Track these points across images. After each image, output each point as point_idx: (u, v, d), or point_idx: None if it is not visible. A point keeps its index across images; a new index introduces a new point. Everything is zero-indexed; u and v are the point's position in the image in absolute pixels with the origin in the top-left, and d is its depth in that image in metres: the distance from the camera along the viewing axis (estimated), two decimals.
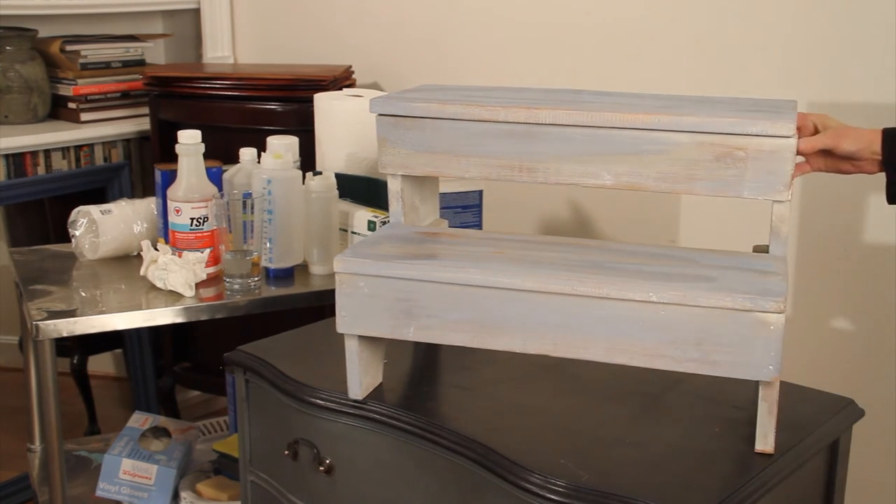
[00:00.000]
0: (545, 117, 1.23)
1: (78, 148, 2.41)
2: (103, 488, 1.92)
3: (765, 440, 1.15)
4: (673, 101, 1.28)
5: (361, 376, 1.29)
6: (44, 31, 2.50)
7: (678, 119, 1.18)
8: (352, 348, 1.28)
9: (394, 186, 1.35)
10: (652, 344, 1.13)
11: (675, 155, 1.19)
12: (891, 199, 1.31)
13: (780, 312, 1.08)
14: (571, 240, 1.32)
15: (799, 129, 1.24)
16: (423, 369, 1.41)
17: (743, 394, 1.28)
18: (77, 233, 1.86)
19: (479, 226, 1.85)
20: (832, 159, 1.32)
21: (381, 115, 1.31)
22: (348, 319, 1.25)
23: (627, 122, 1.20)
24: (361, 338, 1.27)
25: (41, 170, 2.35)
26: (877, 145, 1.29)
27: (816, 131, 1.33)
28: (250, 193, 1.70)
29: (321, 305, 1.85)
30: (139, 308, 1.66)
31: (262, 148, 1.85)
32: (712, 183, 1.19)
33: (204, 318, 1.69)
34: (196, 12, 2.72)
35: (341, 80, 2.32)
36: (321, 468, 1.32)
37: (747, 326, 1.09)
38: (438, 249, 1.27)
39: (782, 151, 1.16)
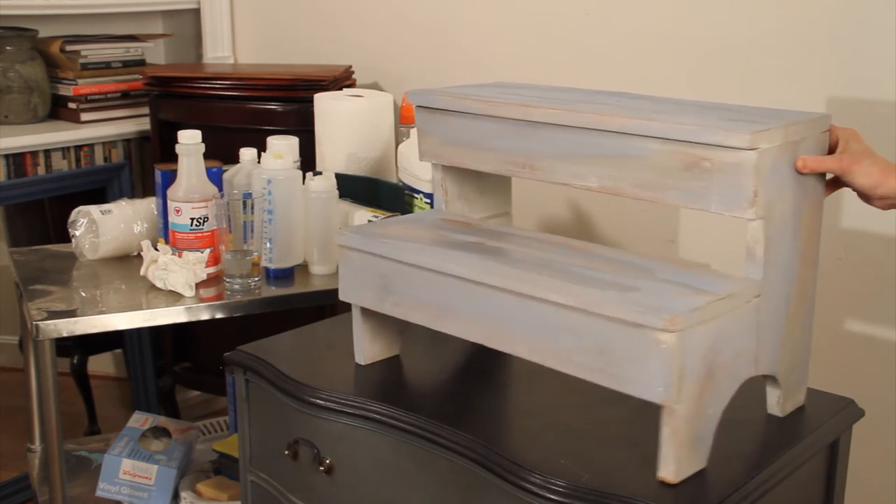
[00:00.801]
0: (535, 115, 1.24)
1: (78, 148, 2.41)
2: (103, 488, 1.92)
3: (666, 467, 1.07)
4: (670, 105, 1.25)
5: (365, 344, 1.38)
6: (44, 31, 2.50)
7: (646, 124, 1.14)
8: (356, 316, 1.37)
9: (434, 175, 1.43)
10: (563, 348, 1.11)
11: (650, 162, 1.15)
12: None
13: (670, 331, 1.01)
14: (556, 238, 1.31)
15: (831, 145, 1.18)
16: (423, 370, 1.41)
17: (743, 394, 1.28)
18: (77, 233, 1.86)
19: None
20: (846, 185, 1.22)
21: (417, 106, 1.38)
22: (346, 289, 1.35)
23: (596, 123, 1.17)
24: (365, 308, 1.34)
25: (41, 170, 2.35)
26: (893, 186, 1.17)
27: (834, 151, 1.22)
28: (250, 193, 1.70)
29: (321, 305, 1.85)
30: (139, 308, 1.66)
31: (262, 148, 1.85)
32: (683, 193, 1.13)
33: (204, 318, 1.69)
34: (196, 12, 2.72)
35: (341, 80, 2.32)
36: (321, 468, 1.32)
37: (641, 342, 1.03)
38: (433, 235, 1.30)
39: (743, 165, 1.07)
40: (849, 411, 1.28)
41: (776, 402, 1.23)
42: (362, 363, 1.39)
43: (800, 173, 1.14)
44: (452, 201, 1.43)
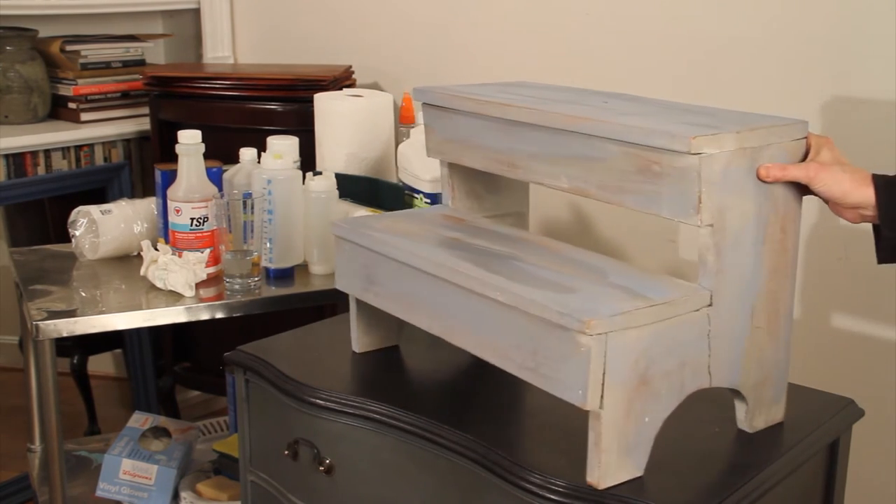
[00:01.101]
0: (512, 114, 1.24)
1: (78, 148, 2.41)
2: (103, 488, 1.92)
3: (591, 472, 1.06)
4: (649, 107, 1.23)
5: (360, 333, 1.42)
6: (44, 31, 2.50)
7: (599, 125, 1.12)
8: (352, 304, 1.41)
9: (441, 170, 1.44)
10: (503, 345, 1.11)
11: (609, 164, 1.13)
12: (883, 259, 1.14)
13: (587, 334, 0.99)
14: (536, 238, 1.30)
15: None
16: (423, 370, 1.41)
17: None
18: (77, 233, 1.86)
19: None
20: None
21: (422, 102, 1.40)
22: (339, 277, 1.39)
23: (561, 123, 1.16)
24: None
25: (41, 170, 2.35)
26: (866, 196, 1.10)
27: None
28: (250, 193, 1.70)
29: (321, 305, 1.85)
30: (139, 308, 1.66)
31: (262, 148, 1.85)
32: (637, 197, 1.11)
33: (204, 318, 1.69)
34: (196, 12, 2.72)
35: (341, 80, 2.32)
36: (321, 468, 1.32)
37: (565, 344, 1.02)
38: (420, 230, 1.31)
39: (688, 170, 1.05)
40: (849, 411, 1.28)
41: (743, 417, 1.19)
42: (357, 351, 1.42)
43: (763, 182, 1.09)
44: (460, 198, 1.44)
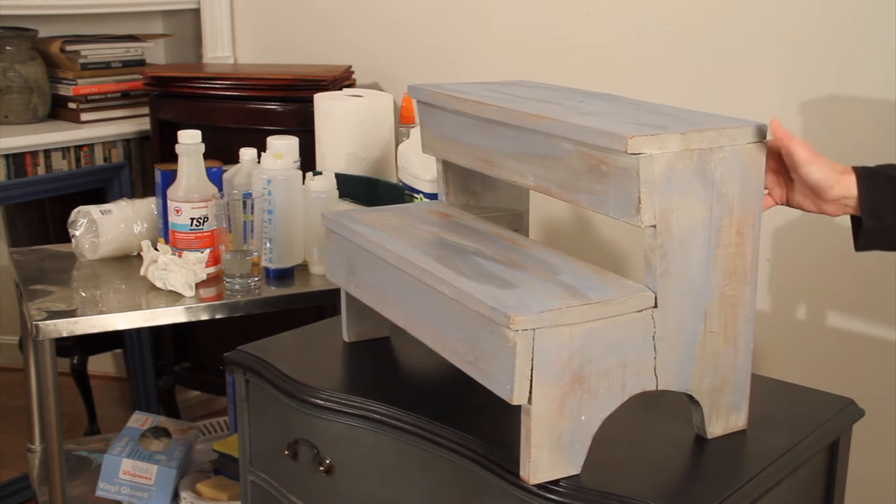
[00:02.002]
0: (485, 112, 1.24)
1: (78, 148, 2.41)
2: (103, 488, 1.92)
3: (524, 467, 1.06)
4: (617, 107, 1.22)
5: (350, 322, 1.46)
6: (44, 31, 2.50)
7: (555, 124, 1.12)
8: (342, 294, 1.45)
9: (437, 166, 1.45)
10: (450, 338, 1.13)
11: (566, 162, 1.13)
12: (861, 248, 1.16)
13: (511, 328, 1.00)
14: (508, 235, 1.30)
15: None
16: (423, 370, 1.41)
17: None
18: (77, 233, 1.86)
19: None
20: (791, 189, 1.17)
21: (416, 100, 1.41)
22: (329, 268, 1.43)
23: (524, 121, 1.17)
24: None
25: (41, 170, 2.35)
26: (849, 186, 1.12)
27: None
28: (250, 193, 1.70)
29: (321, 305, 1.85)
30: (139, 308, 1.66)
31: (262, 148, 1.85)
32: (590, 196, 1.10)
33: (204, 318, 1.69)
34: (196, 12, 2.72)
35: (341, 80, 2.32)
36: (321, 468, 1.32)
37: (496, 338, 1.03)
38: (400, 223, 1.34)
39: (629, 170, 1.04)
40: (849, 411, 1.28)
41: (699, 423, 1.17)
42: (347, 340, 1.47)
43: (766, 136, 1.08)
44: (455, 194, 1.44)
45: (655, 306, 1.08)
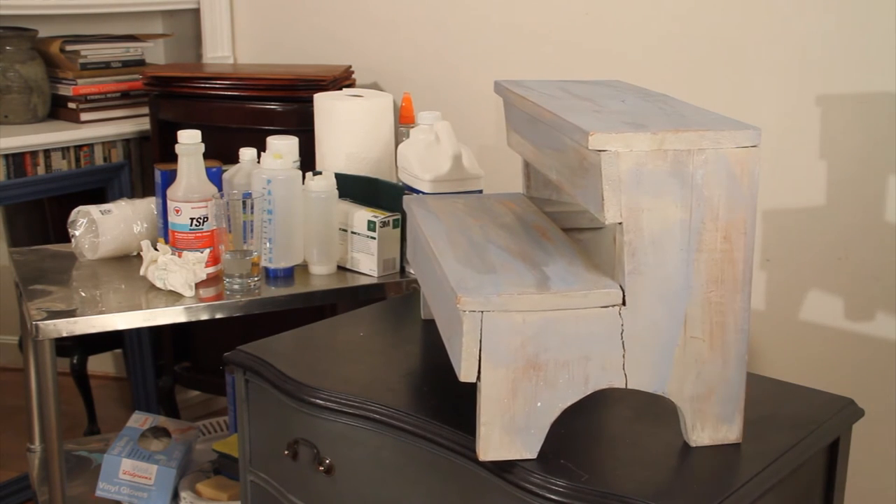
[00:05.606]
0: (527, 108, 1.27)
1: (78, 148, 2.41)
2: (103, 488, 1.92)
3: (477, 443, 1.11)
4: (634, 105, 1.22)
5: (424, 301, 1.53)
6: (44, 31, 2.50)
7: (556, 119, 1.13)
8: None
9: (522, 161, 1.47)
10: (442, 317, 1.18)
11: (567, 157, 1.15)
12: None
13: (459, 309, 1.02)
14: (549, 231, 1.32)
15: None
16: (423, 369, 1.41)
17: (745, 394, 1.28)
18: (77, 233, 1.86)
19: None
20: None
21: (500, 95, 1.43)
22: (407, 248, 1.54)
23: (540, 115, 1.21)
24: None
25: (41, 170, 2.35)
26: None
27: None
28: (250, 193, 1.70)
29: (321, 305, 1.85)
30: (139, 308, 1.66)
31: (262, 148, 1.85)
32: (581, 192, 1.11)
33: (204, 318, 1.69)
34: (196, 12, 2.72)
35: (341, 80, 2.32)
36: (321, 468, 1.32)
37: (455, 317, 1.07)
38: (463, 211, 1.38)
39: (595, 166, 1.05)
40: (849, 411, 1.28)
41: (683, 428, 1.15)
42: (423, 318, 1.55)
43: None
44: (537, 188, 1.47)
45: (624, 304, 1.07)
